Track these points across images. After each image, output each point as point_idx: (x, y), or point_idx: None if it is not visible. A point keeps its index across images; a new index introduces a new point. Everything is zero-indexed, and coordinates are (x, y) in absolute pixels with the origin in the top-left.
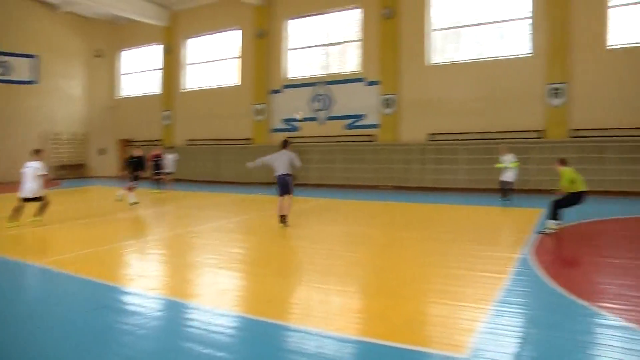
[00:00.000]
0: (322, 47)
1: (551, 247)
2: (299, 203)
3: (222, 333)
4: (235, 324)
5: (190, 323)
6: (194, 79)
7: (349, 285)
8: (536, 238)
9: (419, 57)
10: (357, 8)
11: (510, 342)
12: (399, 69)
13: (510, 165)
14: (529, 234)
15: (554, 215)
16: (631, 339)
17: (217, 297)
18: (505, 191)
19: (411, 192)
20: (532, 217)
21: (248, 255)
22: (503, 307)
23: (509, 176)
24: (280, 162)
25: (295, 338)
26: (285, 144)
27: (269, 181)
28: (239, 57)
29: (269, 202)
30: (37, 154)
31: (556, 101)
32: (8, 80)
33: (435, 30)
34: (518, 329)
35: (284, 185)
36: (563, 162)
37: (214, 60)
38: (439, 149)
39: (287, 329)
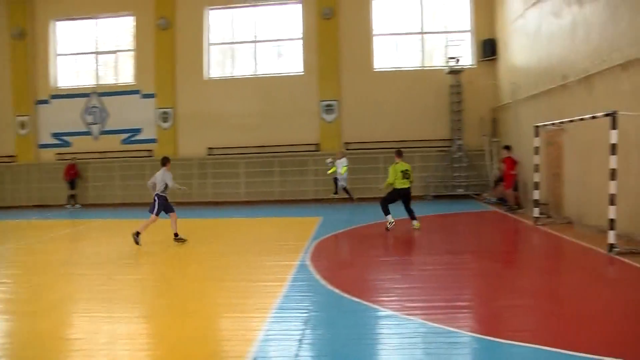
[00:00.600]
0: (94, 54)
1: (326, 252)
2: (67, 226)
3: None
4: None
5: None
6: None
7: (131, 311)
8: (313, 245)
9: (197, 71)
10: (130, 15)
11: (288, 346)
12: (176, 82)
13: (342, 170)
14: (307, 241)
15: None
16: (397, 324)
17: None
18: (338, 188)
19: (192, 207)
20: (310, 225)
21: (15, 292)
22: (282, 313)
23: (343, 179)
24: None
25: None
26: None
27: (40, 203)
28: None
29: (39, 227)
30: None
31: (329, 117)
32: None
33: (212, 44)
34: (296, 331)
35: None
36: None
37: None
38: (219, 163)
39: None
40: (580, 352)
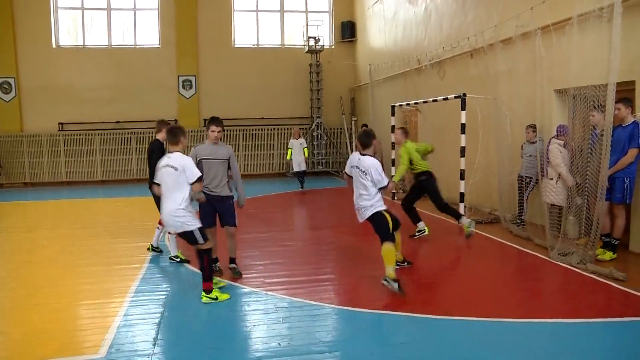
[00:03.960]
0: None
1: None
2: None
3: None
4: None
5: None
6: None
7: None
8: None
9: (43, 38)
10: None
11: (147, 330)
12: (17, 50)
13: (304, 151)
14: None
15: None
16: (257, 300)
17: None
18: (302, 180)
19: (44, 187)
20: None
21: None
22: (139, 297)
23: (301, 164)
24: None
25: None
26: None
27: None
28: None
29: None
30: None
31: (187, 93)
32: None
33: (61, 8)
34: (155, 315)
35: None
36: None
37: None
38: (71, 140)
39: None
40: (425, 314)
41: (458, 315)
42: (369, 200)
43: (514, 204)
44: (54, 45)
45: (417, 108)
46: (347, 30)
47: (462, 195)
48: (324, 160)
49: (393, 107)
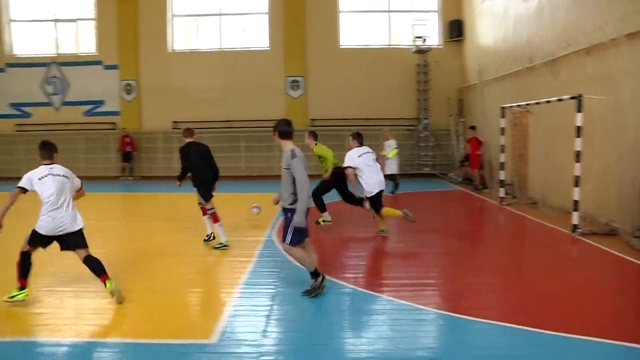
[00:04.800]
0: (54, 22)
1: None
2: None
3: None
4: None
5: None
6: None
7: (87, 286)
8: (280, 220)
9: (161, 43)
10: None
11: (257, 321)
12: (139, 54)
13: (391, 154)
14: (274, 217)
15: None
16: (364, 300)
17: None
18: (394, 184)
19: (158, 181)
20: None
21: None
22: (249, 288)
23: (392, 167)
24: None
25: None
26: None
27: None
28: None
29: None
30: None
31: (295, 93)
32: None
33: (177, 16)
34: (264, 307)
35: None
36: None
37: None
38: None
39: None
40: (542, 328)
41: (573, 334)
42: None
43: (636, 215)
44: (169, 50)
45: (528, 110)
46: (455, 29)
47: (576, 203)
48: (430, 163)
49: (503, 108)
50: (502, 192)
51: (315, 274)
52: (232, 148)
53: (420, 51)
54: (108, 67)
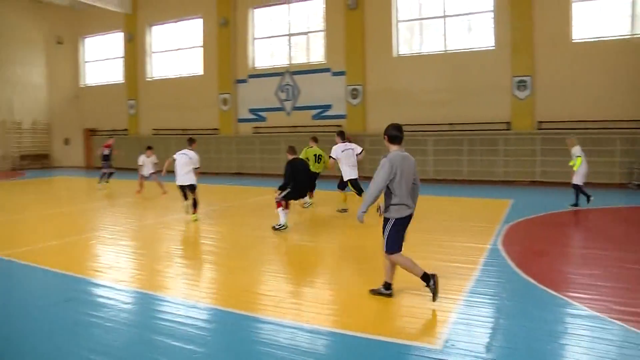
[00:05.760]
0: (287, 36)
1: (520, 238)
2: (267, 195)
3: (192, 325)
4: (205, 316)
5: (160, 315)
6: (159, 67)
7: (320, 277)
8: (505, 229)
9: (385, 48)
10: None
11: (482, 333)
12: (365, 60)
13: (576, 164)
14: (498, 224)
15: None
16: (601, 328)
17: (187, 289)
18: (579, 194)
19: None
20: (500, 208)
21: (217, 247)
22: (474, 297)
23: (578, 177)
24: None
25: (267, 330)
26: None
27: (238, 171)
28: (201, 47)
29: (236, 192)
30: (191, 143)
31: (522, 93)
32: None
33: (401, 21)
34: (490, 319)
35: None
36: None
37: (178, 49)
38: (406, 140)
39: (259, 320)
40: None
41: None
42: None
43: None
44: (394, 55)
45: None
46: None
47: None
48: None
49: None
50: None
51: (425, 277)
52: (454, 151)
53: None
54: (336, 74)
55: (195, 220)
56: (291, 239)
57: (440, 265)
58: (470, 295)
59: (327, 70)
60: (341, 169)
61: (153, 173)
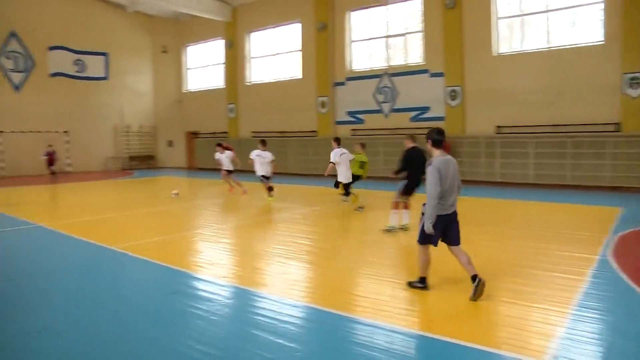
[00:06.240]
0: (385, 38)
1: (634, 250)
2: (370, 197)
3: (291, 323)
4: (304, 315)
5: (260, 312)
6: (257, 72)
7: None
8: (615, 239)
9: (485, 47)
10: None
11: (592, 351)
12: (464, 60)
13: None
14: (607, 234)
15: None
16: None
17: (286, 287)
18: None
19: (479, 186)
20: (608, 216)
21: (316, 247)
22: (583, 311)
23: None
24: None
25: (365, 332)
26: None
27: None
28: (300, 51)
29: (334, 194)
30: (264, 144)
31: (635, 92)
32: (84, 77)
33: (500, 18)
34: (601, 336)
35: None
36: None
37: (276, 54)
38: (507, 142)
39: (357, 322)
40: None
41: None
42: None
43: None
44: (494, 54)
45: None
46: None
47: None
48: None
49: None
50: None
51: (422, 280)
52: (557, 155)
53: None
54: (434, 75)
55: (273, 200)
56: (397, 241)
57: (545, 275)
58: (579, 309)
59: (425, 71)
60: (338, 171)
61: (228, 171)
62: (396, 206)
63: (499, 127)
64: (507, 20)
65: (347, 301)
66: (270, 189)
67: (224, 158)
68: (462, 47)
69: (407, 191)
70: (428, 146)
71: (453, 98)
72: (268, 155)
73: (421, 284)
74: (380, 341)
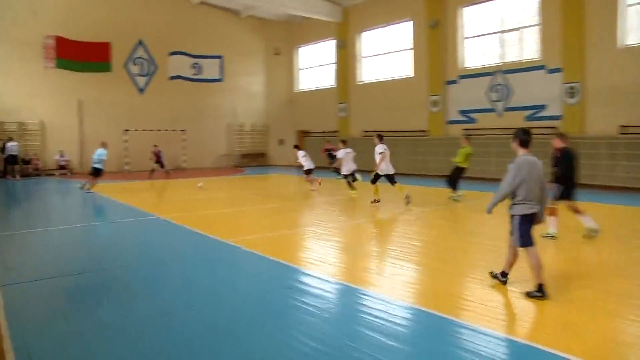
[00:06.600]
0: (498, 34)
1: None
2: (479, 198)
3: (401, 325)
4: (414, 317)
5: (371, 312)
6: (368, 71)
7: (518, 287)
8: None
9: (609, 39)
10: None
11: None
12: (584, 54)
13: None
14: None
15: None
16: None
17: (397, 288)
18: None
19: (599, 190)
20: None
21: (427, 248)
22: None
23: None
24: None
25: (476, 338)
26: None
27: (444, 174)
28: (411, 49)
29: (442, 194)
30: (344, 143)
31: None
32: (200, 79)
33: (630, 5)
34: None
35: None
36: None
37: (388, 53)
38: (632, 144)
39: (466, 327)
40: None
41: None
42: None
43: None
44: (620, 46)
45: None
46: None
47: None
48: None
49: None
50: None
51: (540, 288)
52: None
53: None
54: (551, 71)
55: (354, 194)
56: (493, 245)
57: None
58: None
59: (541, 67)
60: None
61: (306, 170)
62: (552, 212)
63: (623, 127)
64: (637, 6)
65: (458, 306)
66: (349, 183)
67: (301, 157)
68: (583, 40)
69: (565, 195)
70: (514, 145)
71: (571, 95)
72: (351, 151)
73: (539, 292)
74: (486, 349)
